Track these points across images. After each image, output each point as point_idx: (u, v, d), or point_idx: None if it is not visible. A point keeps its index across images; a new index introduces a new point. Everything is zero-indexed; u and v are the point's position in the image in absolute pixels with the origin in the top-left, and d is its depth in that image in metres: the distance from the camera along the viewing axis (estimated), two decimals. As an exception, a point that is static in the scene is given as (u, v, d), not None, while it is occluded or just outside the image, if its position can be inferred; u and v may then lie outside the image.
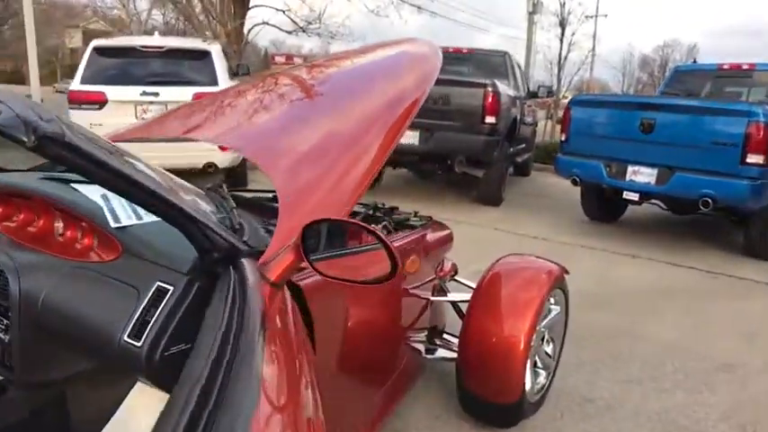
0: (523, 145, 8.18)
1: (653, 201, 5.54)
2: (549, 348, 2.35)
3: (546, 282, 2.23)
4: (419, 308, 2.20)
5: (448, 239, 2.52)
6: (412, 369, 2.15)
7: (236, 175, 6.44)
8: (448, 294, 2.43)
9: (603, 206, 6.08)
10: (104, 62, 5.98)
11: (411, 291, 2.06)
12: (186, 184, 1.48)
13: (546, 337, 2.32)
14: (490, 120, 5.91)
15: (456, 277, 2.57)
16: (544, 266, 2.33)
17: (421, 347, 2.27)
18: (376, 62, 2.14)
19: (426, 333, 2.32)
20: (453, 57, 7.61)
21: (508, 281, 2.25)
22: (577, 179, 5.46)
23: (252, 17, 13.68)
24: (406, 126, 1.66)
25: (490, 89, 5.87)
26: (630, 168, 5.01)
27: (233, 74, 7.50)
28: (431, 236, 2.32)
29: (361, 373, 1.73)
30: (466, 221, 5.77)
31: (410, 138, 6.03)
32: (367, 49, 2.38)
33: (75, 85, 5.78)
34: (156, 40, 6.48)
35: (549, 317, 2.31)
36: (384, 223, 1.99)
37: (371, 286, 1.31)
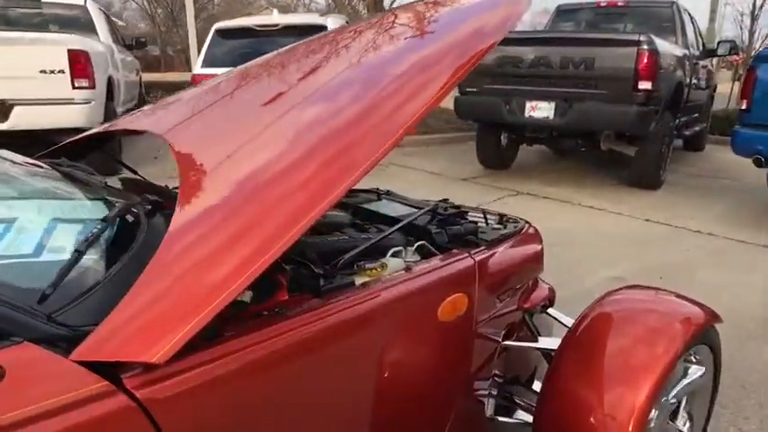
0: (695, 114, 6.78)
1: None
2: (684, 428, 1.58)
3: (681, 333, 1.46)
4: (483, 354, 1.57)
5: (537, 257, 1.82)
6: None
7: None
8: (528, 337, 1.75)
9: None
10: (225, 44, 5.93)
11: (474, 330, 1.44)
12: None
13: (680, 410, 1.56)
14: (645, 85, 4.82)
15: (550, 310, 1.86)
16: (680, 309, 1.55)
17: (488, 405, 1.63)
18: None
19: (497, 384, 1.67)
20: (604, 12, 6.47)
21: (620, 327, 1.52)
22: (763, 158, 4.23)
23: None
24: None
25: (645, 47, 4.77)
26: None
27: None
28: (513, 252, 1.66)
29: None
30: (609, 209, 4.81)
31: (544, 110, 5.17)
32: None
33: (197, 68, 5.80)
34: (273, 18, 6.30)
35: (685, 382, 1.54)
36: (396, 248, 1.37)
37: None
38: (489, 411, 1.63)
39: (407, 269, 1.28)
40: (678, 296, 1.63)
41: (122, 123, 1.82)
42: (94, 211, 1.08)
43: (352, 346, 1.08)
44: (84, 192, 1.21)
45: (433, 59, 1.29)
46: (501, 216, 1.99)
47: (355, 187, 2.15)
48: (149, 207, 1.11)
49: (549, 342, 1.67)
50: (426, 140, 7.91)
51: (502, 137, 6.08)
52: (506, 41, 5.60)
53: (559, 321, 1.80)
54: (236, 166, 1.06)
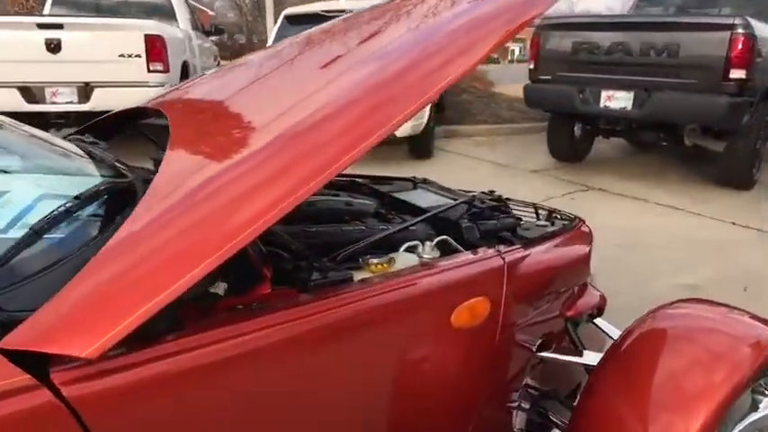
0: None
1: None
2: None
3: (750, 359, 1.25)
4: (511, 364, 1.42)
5: (585, 259, 1.64)
6: None
7: (420, 145, 5.95)
8: (570, 349, 1.57)
9: None
10: (294, 30, 5.93)
11: (498, 338, 1.30)
12: None
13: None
14: (737, 74, 4.36)
15: (598, 320, 1.67)
16: (752, 331, 1.33)
17: (517, 418, 1.48)
18: None
19: (530, 398, 1.51)
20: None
21: (675, 345, 1.33)
22: None
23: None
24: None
25: (740, 32, 4.31)
26: None
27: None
28: (556, 253, 1.50)
29: None
30: (690, 209, 4.43)
31: (621, 100, 4.81)
32: None
33: (267, 53, 5.84)
34: (340, 4, 6.24)
35: (753, 418, 1.32)
36: (412, 244, 1.24)
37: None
38: (518, 425, 1.48)
39: (419, 267, 1.16)
40: (753, 317, 1.40)
41: (171, 95, 1.81)
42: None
43: (342, 351, 0.98)
44: (90, 169, 1.17)
45: (483, 21, 1.18)
46: (550, 212, 1.82)
47: (392, 174, 2.06)
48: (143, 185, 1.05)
49: (594, 357, 1.49)
50: (497, 130, 7.64)
51: (575, 128, 5.74)
52: (582, 26, 5.27)
53: (606, 333, 1.61)
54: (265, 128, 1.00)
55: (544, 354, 1.48)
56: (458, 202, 1.59)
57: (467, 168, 5.77)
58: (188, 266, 0.70)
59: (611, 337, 1.55)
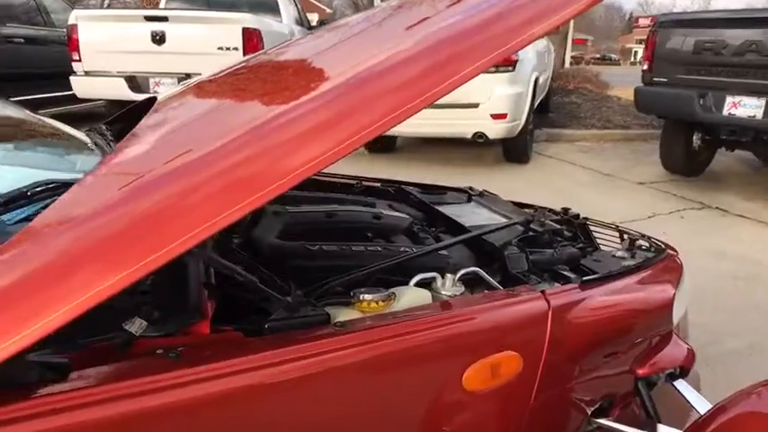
0: None
1: None
2: None
3: None
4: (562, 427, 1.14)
5: (667, 303, 1.30)
6: None
7: (516, 148, 5.57)
8: (639, 417, 1.24)
9: None
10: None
11: (533, 402, 1.03)
12: None
13: None
14: None
15: (679, 381, 1.32)
16: None
17: None
18: None
19: None
20: None
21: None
22: None
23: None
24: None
25: None
26: None
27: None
28: (629, 295, 1.20)
29: None
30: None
31: (749, 107, 4.17)
32: None
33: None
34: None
35: None
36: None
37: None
38: None
39: (429, 307, 0.92)
40: None
41: (256, 59, 1.72)
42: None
43: (297, 424, 0.76)
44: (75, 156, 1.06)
45: None
46: (632, 240, 1.50)
47: (447, 184, 1.81)
48: None
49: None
50: (605, 136, 7.04)
51: (694, 137, 5.10)
52: (709, 23, 4.64)
53: (690, 403, 1.27)
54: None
55: (603, 421, 1.19)
56: (508, 222, 1.33)
57: (564, 176, 5.33)
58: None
59: (695, 408, 1.22)
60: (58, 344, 0.68)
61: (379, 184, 1.78)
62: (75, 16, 5.29)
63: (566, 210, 1.65)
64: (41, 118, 1.25)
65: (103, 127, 1.43)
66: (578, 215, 1.64)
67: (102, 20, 5.41)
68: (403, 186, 1.69)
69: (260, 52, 1.78)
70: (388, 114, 0.73)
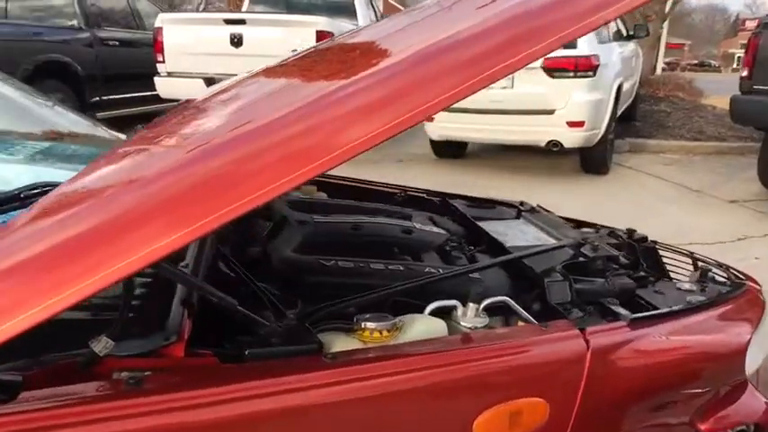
0: None
1: None
2: None
3: None
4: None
5: (741, 348, 1.11)
6: None
7: (593, 158, 5.26)
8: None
9: None
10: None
11: None
12: None
13: None
14: None
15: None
16: None
17: None
18: None
19: None
20: None
21: None
22: None
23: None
24: None
25: None
26: None
27: (626, 36, 6.25)
28: (691, 334, 1.04)
29: None
30: None
31: None
32: None
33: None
34: None
35: None
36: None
37: None
38: None
39: (440, 341, 0.81)
40: None
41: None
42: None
43: None
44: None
45: None
46: (704, 270, 1.31)
47: (497, 198, 1.68)
48: None
49: None
50: (695, 148, 6.54)
51: (799, 152, 4.62)
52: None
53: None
54: None
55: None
56: (555, 245, 1.19)
57: (646, 190, 4.98)
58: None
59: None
60: (21, 358, 0.63)
61: (424, 195, 1.68)
62: (161, 19, 5.53)
63: (631, 231, 1.47)
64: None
65: (140, 126, 1.42)
66: (645, 238, 1.46)
67: (185, 23, 5.62)
68: (448, 198, 1.58)
69: (330, 39, 1.77)
70: (442, 94, 0.70)
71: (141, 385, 0.62)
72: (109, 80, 6.23)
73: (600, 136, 5.01)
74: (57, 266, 0.57)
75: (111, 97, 6.27)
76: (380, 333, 0.79)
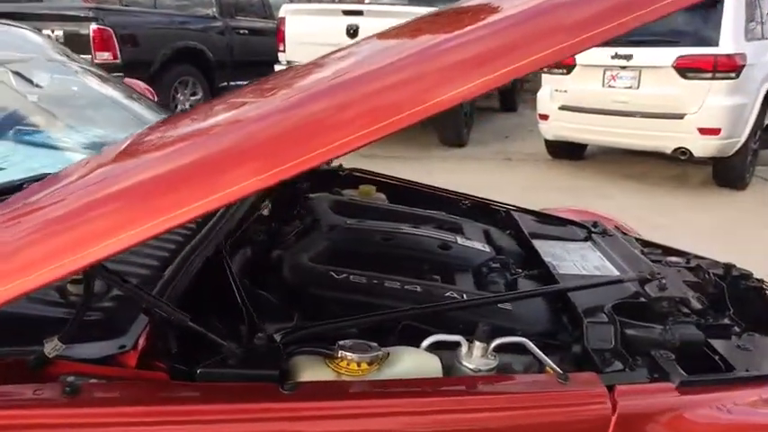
0: None
1: None
2: None
3: None
4: None
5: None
6: None
7: (727, 169, 4.69)
8: None
9: None
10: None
11: None
12: None
13: None
14: None
15: None
16: None
17: None
18: None
19: None
20: None
21: None
22: None
23: None
24: None
25: None
26: None
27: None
28: (752, 406, 0.85)
29: None
30: None
31: None
32: None
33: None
34: None
35: None
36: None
37: None
38: None
39: (426, 383, 0.71)
40: None
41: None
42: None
43: None
44: None
45: None
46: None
47: (573, 218, 1.50)
48: None
49: None
50: None
51: None
52: None
53: None
54: None
55: None
56: (612, 278, 1.03)
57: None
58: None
59: None
60: None
61: (493, 204, 1.55)
62: (284, 10, 5.74)
63: (729, 266, 1.24)
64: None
65: None
66: (748, 275, 1.23)
67: (306, 13, 5.77)
68: (512, 212, 1.43)
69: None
70: (535, 54, 0.66)
71: (78, 393, 0.60)
72: (237, 66, 6.60)
73: (739, 146, 4.45)
74: (171, 190, 0.63)
75: (237, 83, 6.64)
76: (358, 365, 0.70)
